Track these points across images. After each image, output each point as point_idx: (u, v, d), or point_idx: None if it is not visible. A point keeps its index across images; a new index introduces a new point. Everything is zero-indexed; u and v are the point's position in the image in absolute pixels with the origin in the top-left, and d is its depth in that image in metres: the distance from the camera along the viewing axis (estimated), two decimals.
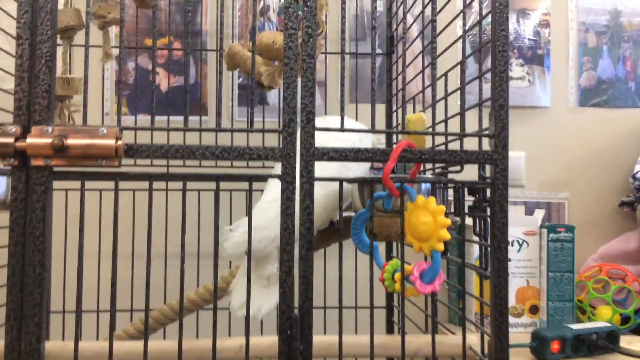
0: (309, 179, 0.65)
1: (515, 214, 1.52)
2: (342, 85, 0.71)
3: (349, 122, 1.05)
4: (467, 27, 0.75)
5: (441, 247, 0.63)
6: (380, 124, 1.42)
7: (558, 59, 1.69)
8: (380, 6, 1.63)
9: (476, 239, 0.78)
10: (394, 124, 1.31)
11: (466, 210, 0.77)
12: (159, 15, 1.59)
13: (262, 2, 1.59)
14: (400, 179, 0.66)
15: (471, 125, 0.77)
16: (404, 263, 0.67)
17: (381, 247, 1.40)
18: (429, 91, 0.95)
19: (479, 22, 0.74)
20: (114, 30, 1.51)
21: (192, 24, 1.60)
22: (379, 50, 1.60)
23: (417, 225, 0.64)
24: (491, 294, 0.67)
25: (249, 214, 0.68)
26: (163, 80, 1.61)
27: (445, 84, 0.87)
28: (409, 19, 1.44)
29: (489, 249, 0.71)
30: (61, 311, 1.27)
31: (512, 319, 1.50)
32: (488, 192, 0.71)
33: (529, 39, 1.68)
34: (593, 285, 1.52)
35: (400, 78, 1.30)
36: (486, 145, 0.72)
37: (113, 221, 0.66)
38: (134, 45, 1.44)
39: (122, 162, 0.63)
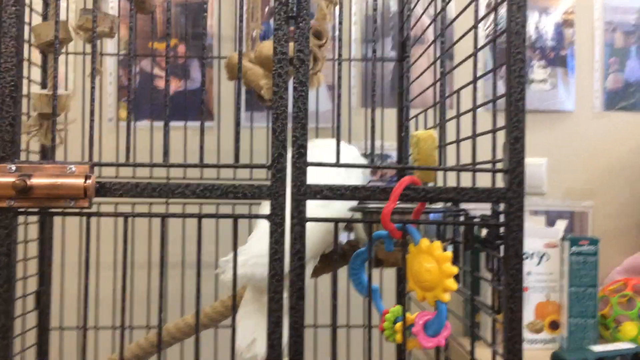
0: (300, 220, 0.58)
1: (535, 225, 1.44)
2: (339, 115, 0.64)
3: (343, 148, 0.98)
4: (479, 47, 0.68)
5: (447, 297, 0.56)
6: (392, 129, 1.35)
7: (582, 60, 1.60)
8: (395, 5, 1.55)
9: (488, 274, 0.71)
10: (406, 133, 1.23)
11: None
12: (163, 17, 1.53)
13: (267, 7, 1.52)
14: (402, 219, 0.60)
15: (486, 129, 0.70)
16: (405, 312, 0.60)
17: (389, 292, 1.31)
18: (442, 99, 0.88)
19: (493, 41, 0.67)
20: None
21: (196, 27, 1.54)
22: (392, 53, 1.52)
23: (420, 273, 0.57)
24: (504, 348, 0.60)
25: (233, 252, 0.62)
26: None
27: (458, 103, 0.80)
28: (424, 21, 1.36)
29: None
30: (58, 328, 1.23)
31: (531, 335, 1.43)
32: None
33: (552, 39, 1.59)
34: (618, 300, 1.44)
35: (413, 84, 1.22)
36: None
37: (84, 261, 0.60)
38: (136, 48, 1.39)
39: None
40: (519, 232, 0.59)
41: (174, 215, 0.58)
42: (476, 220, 0.63)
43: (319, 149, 0.84)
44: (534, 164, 1.58)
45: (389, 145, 1.50)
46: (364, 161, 0.94)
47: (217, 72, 1.46)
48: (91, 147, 0.59)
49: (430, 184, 0.99)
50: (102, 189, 0.57)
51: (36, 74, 1.05)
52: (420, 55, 1.05)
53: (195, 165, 0.58)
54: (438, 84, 0.94)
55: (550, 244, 1.43)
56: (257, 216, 0.59)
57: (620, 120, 1.60)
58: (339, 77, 0.62)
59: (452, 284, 0.56)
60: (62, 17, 0.92)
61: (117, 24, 0.85)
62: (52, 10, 0.90)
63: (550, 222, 1.57)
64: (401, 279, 1.21)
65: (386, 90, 1.52)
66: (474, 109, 0.69)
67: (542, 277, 1.43)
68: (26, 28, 0.83)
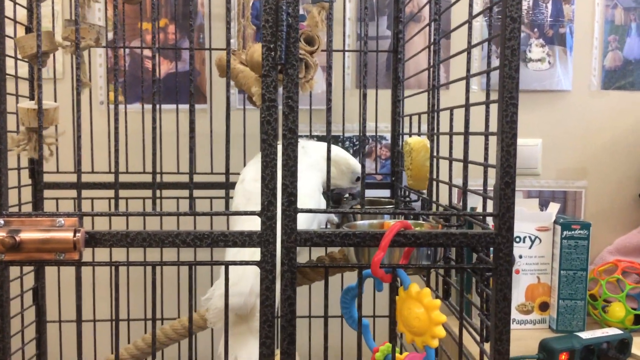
0: (290, 267, 0.59)
1: (528, 209, 1.45)
2: (329, 132, 0.64)
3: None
4: (471, 72, 0.67)
5: (435, 343, 0.58)
6: (387, 110, 1.33)
7: (582, 38, 1.56)
8: None
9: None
10: (400, 130, 1.22)
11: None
12: None
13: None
14: (391, 263, 0.60)
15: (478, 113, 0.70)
16: (394, 351, 0.62)
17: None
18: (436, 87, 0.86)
19: (486, 73, 0.65)
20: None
21: (186, 5, 1.50)
22: (388, 32, 1.49)
23: (409, 319, 0.58)
24: None
25: (225, 293, 0.63)
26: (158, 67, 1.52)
27: (451, 120, 0.79)
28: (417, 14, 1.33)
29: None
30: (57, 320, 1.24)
31: (520, 316, 1.46)
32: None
33: (551, 17, 1.55)
34: (608, 280, 1.46)
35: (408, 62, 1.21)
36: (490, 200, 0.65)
37: (77, 307, 0.61)
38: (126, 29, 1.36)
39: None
40: (508, 276, 0.59)
41: (166, 264, 0.59)
42: (466, 266, 0.64)
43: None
44: (529, 144, 1.58)
45: (384, 127, 1.49)
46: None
47: (209, 54, 1.43)
48: (79, 196, 0.58)
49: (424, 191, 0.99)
50: (92, 240, 0.57)
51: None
52: (413, 36, 1.03)
53: (186, 214, 0.57)
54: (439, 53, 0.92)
55: (542, 227, 1.44)
56: (248, 263, 0.59)
57: (617, 99, 1.58)
58: (329, 66, 0.61)
59: (441, 332, 0.57)
60: (47, 26, 0.89)
61: (104, 34, 0.83)
62: (35, 21, 0.88)
63: (543, 203, 1.57)
64: (391, 319, 1.22)
65: (381, 70, 1.50)
66: (465, 135, 0.68)
67: (534, 260, 1.45)
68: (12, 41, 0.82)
